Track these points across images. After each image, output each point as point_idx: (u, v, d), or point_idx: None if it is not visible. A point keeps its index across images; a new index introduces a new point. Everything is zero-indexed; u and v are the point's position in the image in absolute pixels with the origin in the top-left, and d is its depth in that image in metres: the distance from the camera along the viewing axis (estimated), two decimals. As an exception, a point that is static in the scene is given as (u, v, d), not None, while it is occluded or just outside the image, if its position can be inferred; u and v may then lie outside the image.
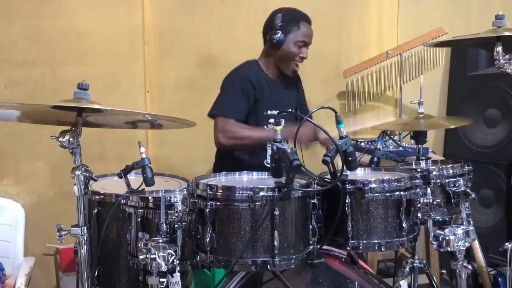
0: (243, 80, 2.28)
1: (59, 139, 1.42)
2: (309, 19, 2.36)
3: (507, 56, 1.72)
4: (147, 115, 1.68)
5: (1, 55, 2.73)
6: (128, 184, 1.71)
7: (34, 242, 2.76)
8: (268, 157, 2.36)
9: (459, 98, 3.23)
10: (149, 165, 1.68)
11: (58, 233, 1.48)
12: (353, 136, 3.19)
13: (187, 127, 1.79)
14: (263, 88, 2.32)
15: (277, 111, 2.33)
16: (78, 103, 1.40)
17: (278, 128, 1.45)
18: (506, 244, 1.85)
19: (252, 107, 2.30)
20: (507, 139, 2.90)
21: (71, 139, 1.42)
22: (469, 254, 2.66)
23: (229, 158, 2.39)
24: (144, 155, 1.69)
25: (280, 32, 2.27)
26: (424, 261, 2.20)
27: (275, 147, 1.43)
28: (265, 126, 2.32)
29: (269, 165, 2.33)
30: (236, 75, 2.32)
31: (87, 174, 1.47)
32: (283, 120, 2.38)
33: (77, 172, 1.45)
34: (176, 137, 2.95)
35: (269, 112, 2.33)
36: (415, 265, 2.18)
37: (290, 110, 2.42)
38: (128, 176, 1.72)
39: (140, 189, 1.69)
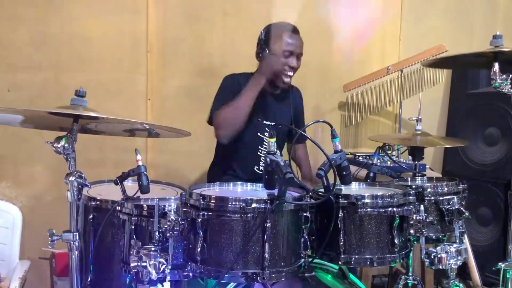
0: (234, 82, 2.33)
1: (54, 145, 1.43)
2: (294, 29, 2.33)
3: (504, 76, 1.73)
4: (144, 124, 1.69)
5: (5, 59, 2.76)
6: (123, 191, 1.72)
7: (30, 246, 2.76)
8: (261, 164, 2.39)
9: (459, 115, 3.24)
10: (145, 172, 1.70)
11: (50, 238, 1.49)
12: (352, 150, 3.20)
13: (184, 137, 1.80)
14: None
15: (267, 122, 2.35)
16: (74, 110, 1.42)
17: (272, 140, 1.46)
18: (500, 264, 1.84)
19: None
20: (505, 158, 2.90)
21: (66, 145, 1.43)
22: (465, 272, 2.65)
23: (221, 165, 2.44)
24: (140, 163, 1.70)
25: (264, 46, 2.29)
26: (418, 278, 2.19)
27: (268, 159, 1.44)
28: (258, 134, 2.35)
29: (260, 172, 2.37)
30: (228, 78, 2.38)
31: (81, 181, 1.48)
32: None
33: (71, 178, 1.46)
34: (176, 144, 2.96)
35: (258, 119, 2.34)
36: (409, 281, 2.17)
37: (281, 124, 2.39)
38: (125, 182, 1.74)
39: (135, 196, 1.71)
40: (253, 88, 2.20)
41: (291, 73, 2.30)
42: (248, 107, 2.19)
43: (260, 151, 2.38)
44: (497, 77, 1.73)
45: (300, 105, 2.57)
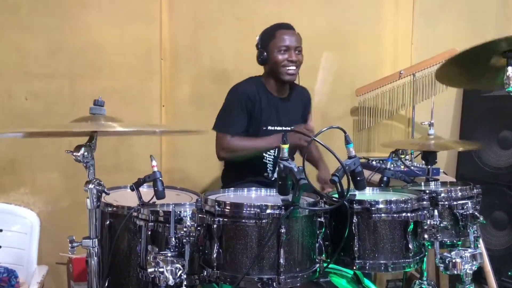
0: (242, 96, 2.36)
1: (74, 154, 1.46)
2: (286, 26, 2.39)
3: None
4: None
5: (22, 67, 2.80)
6: (139, 197, 1.75)
7: (47, 251, 2.80)
8: (268, 170, 2.44)
9: (473, 118, 3.22)
10: (160, 178, 1.72)
11: (70, 245, 1.52)
12: (365, 154, 3.20)
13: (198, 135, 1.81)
14: (261, 104, 2.38)
15: (279, 127, 2.39)
16: (95, 124, 1.44)
17: (285, 146, 1.48)
18: (515, 268, 1.83)
19: (252, 122, 2.37)
20: (520, 161, 2.89)
21: (85, 153, 1.46)
22: (481, 277, 2.63)
23: (233, 171, 2.49)
24: (155, 169, 1.73)
25: (261, 49, 2.37)
26: (433, 283, 2.18)
27: (282, 165, 1.45)
28: None
29: (269, 178, 2.41)
30: (235, 91, 2.41)
31: (100, 188, 1.50)
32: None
33: (90, 186, 1.49)
34: (190, 149, 3.00)
35: (269, 127, 2.39)
36: (423, 286, 2.16)
37: (293, 126, 2.42)
38: (141, 188, 1.76)
39: (151, 202, 1.73)
40: (269, 145, 2.33)
41: (293, 67, 2.34)
42: (257, 153, 2.35)
43: (265, 158, 2.43)
44: (510, 82, 1.73)
45: (308, 105, 2.60)
